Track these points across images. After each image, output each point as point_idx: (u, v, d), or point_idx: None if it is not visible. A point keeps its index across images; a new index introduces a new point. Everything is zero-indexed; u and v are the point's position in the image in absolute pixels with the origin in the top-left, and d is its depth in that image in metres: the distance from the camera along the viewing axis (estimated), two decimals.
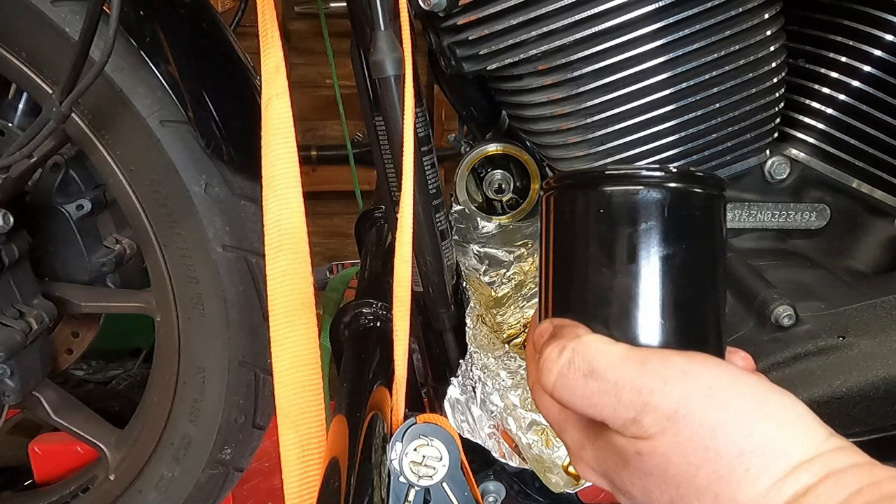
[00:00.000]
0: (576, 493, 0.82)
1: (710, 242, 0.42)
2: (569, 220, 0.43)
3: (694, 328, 0.42)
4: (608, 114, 0.71)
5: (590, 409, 0.39)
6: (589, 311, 0.42)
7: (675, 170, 0.41)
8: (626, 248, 0.40)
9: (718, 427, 0.35)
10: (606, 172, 0.41)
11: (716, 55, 0.69)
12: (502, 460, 0.77)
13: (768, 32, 0.69)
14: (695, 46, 0.68)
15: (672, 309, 0.41)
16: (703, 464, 0.35)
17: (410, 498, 0.61)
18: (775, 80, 0.72)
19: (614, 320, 0.41)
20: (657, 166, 0.42)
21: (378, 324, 0.88)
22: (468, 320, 0.81)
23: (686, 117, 0.71)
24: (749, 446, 0.35)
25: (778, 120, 0.75)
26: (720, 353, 0.42)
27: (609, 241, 0.41)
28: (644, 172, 0.41)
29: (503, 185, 0.93)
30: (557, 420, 0.44)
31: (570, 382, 0.39)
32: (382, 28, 0.67)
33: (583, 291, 0.43)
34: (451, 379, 0.78)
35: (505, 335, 0.84)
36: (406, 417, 0.63)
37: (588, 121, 0.71)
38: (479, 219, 0.93)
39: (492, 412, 0.77)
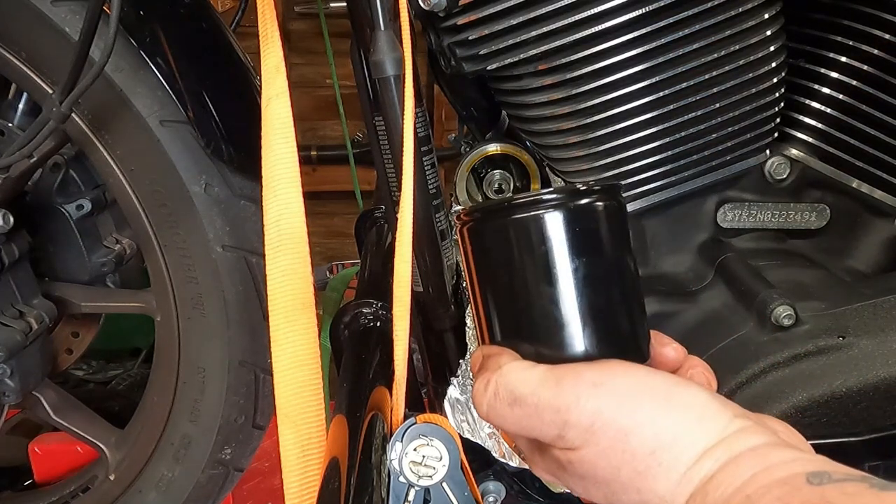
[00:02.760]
0: None
1: (613, 250, 0.45)
2: (483, 250, 0.46)
3: (611, 335, 0.45)
4: (608, 114, 0.71)
5: (522, 432, 0.44)
6: (515, 333, 0.46)
7: (567, 189, 0.44)
8: (536, 269, 0.44)
9: (630, 430, 0.39)
10: (507, 203, 0.45)
11: (716, 55, 0.69)
12: (502, 460, 0.77)
13: (768, 32, 0.69)
14: (695, 46, 0.68)
15: (587, 319, 0.44)
16: (623, 465, 0.39)
17: (410, 498, 0.61)
18: (775, 80, 0.72)
19: (538, 339, 0.44)
20: (552, 189, 0.46)
21: (378, 324, 0.88)
22: (468, 320, 0.81)
23: (686, 117, 0.71)
24: (659, 443, 0.38)
25: (778, 120, 0.75)
26: (641, 353, 0.46)
27: (520, 265, 0.44)
28: (541, 197, 0.44)
29: (503, 185, 0.93)
30: (509, 433, 0.48)
31: (498, 412, 0.44)
32: (382, 28, 0.67)
33: (506, 316, 0.46)
34: (451, 379, 0.78)
35: None
36: (406, 417, 0.63)
37: (587, 121, 0.71)
38: None
39: None
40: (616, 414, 0.39)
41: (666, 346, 0.48)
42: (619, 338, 0.45)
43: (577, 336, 0.44)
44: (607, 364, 0.42)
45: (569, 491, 0.45)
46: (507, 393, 0.43)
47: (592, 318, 0.44)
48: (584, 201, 0.44)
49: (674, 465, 0.38)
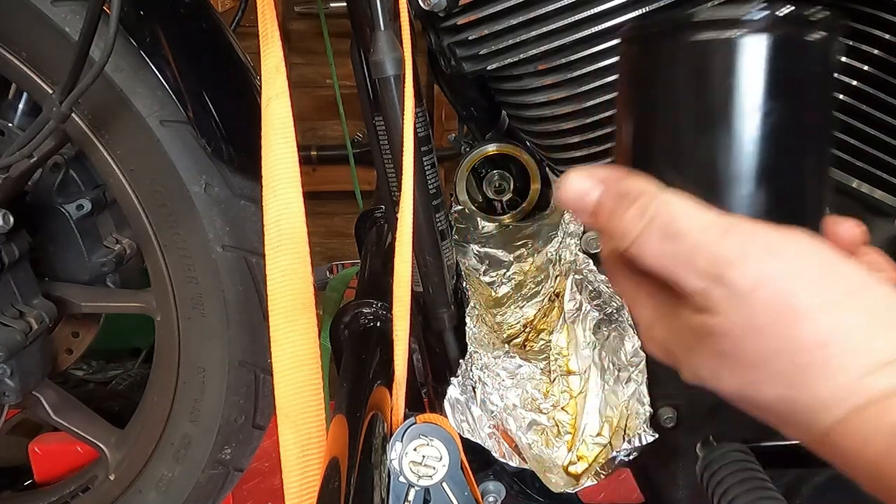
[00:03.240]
0: (576, 493, 0.82)
1: (818, 97, 0.37)
2: (654, 70, 0.39)
3: (792, 199, 0.37)
4: (608, 113, 0.71)
5: (662, 271, 0.36)
6: (672, 169, 0.38)
7: (779, 12, 0.35)
8: (719, 102, 0.36)
9: (802, 313, 0.32)
10: (697, 18, 0.37)
11: None
12: (502, 460, 0.77)
13: None
14: None
15: (769, 175, 0.36)
16: (780, 351, 0.33)
17: (410, 498, 0.61)
18: None
19: (701, 182, 0.37)
20: (755, 7, 0.36)
21: (378, 324, 0.88)
22: (468, 320, 0.81)
23: None
24: (832, 336, 0.32)
25: None
26: (818, 229, 0.38)
27: (700, 94, 0.37)
28: (742, 16, 0.35)
29: (503, 185, 0.93)
30: (629, 292, 0.41)
31: (646, 240, 0.36)
32: (382, 28, 0.67)
33: (667, 148, 0.38)
34: (451, 379, 0.78)
35: (505, 335, 0.84)
36: (406, 417, 0.63)
37: (588, 121, 0.71)
38: (479, 219, 0.93)
39: (492, 412, 0.77)
40: (788, 289, 0.33)
41: (839, 225, 0.40)
42: (801, 206, 0.38)
43: (752, 191, 0.36)
44: (791, 232, 0.34)
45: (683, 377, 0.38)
46: (664, 223, 0.36)
47: (778, 175, 0.36)
48: (809, 33, 0.36)
49: (845, 367, 0.32)
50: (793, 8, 0.36)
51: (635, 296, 0.41)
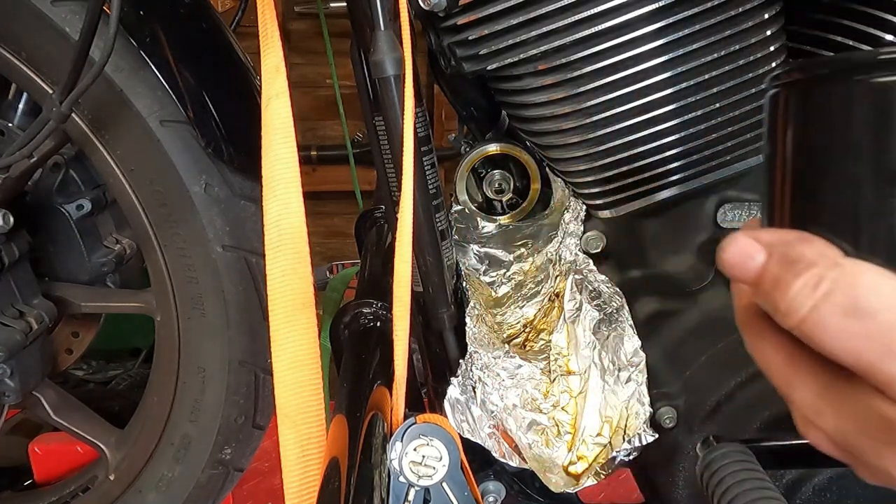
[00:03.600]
0: (576, 493, 0.82)
1: None
2: (826, 118, 0.33)
3: None
4: (608, 114, 0.71)
5: (844, 355, 0.31)
6: (852, 232, 0.32)
7: None
8: None
9: None
10: (878, 58, 0.32)
11: (716, 55, 0.69)
12: (502, 460, 0.77)
13: (768, 32, 0.69)
14: (695, 46, 0.68)
15: None
16: None
17: (410, 498, 0.61)
18: None
19: (889, 248, 0.32)
20: None
21: (378, 324, 0.88)
22: (468, 320, 0.81)
23: (686, 117, 0.71)
24: None
25: None
26: None
27: (889, 144, 0.32)
28: None
29: (503, 185, 0.93)
30: (784, 374, 0.35)
31: (823, 319, 0.31)
32: (382, 28, 0.67)
33: (845, 208, 0.33)
34: (451, 379, 0.78)
35: (505, 335, 0.84)
36: (406, 417, 0.63)
37: (588, 121, 0.71)
38: (479, 219, 0.93)
39: (492, 412, 0.77)
40: None
41: None
42: None
43: None
44: None
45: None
46: (847, 299, 0.30)
47: None
48: None
49: None
50: None
51: (793, 378, 0.35)
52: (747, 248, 0.34)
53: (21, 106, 1.01)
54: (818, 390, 0.34)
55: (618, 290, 0.79)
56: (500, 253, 0.90)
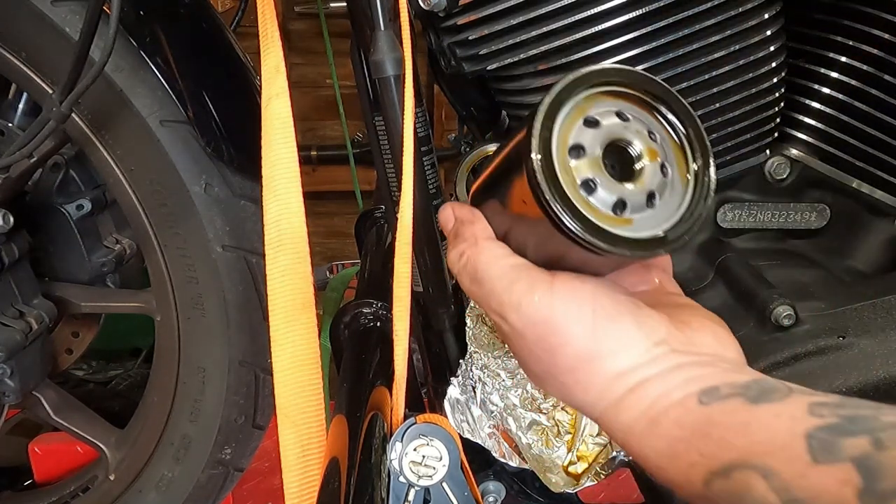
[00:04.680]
0: (576, 493, 0.82)
1: None
2: (499, 165, 0.48)
3: None
4: None
5: (473, 299, 0.50)
6: (494, 222, 0.49)
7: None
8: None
9: (556, 349, 0.44)
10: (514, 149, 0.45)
11: (716, 55, 0.69)
12: (502, 460, 0.77)
13: (768, 32, 0.69)
14: (695, 46, 0.68)
15: None
16: (549, 373, 0.45)
17: (410, 498, 0.61)
18: (775, 80, 0.72)
19: (504, 235, 0.49)
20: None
21: (378, 324, 0.88)
22: (468, 320, 0.80)
23: None
24: (578, 363, 0.44)
25: (778, 120, 0.75)
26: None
27: (503, 189, 0.47)
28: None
29: None
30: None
31: (461, 279, 0.49)
32: (382, 28, 0.67)
33: (492, 203, 0.49)
34: (451, 379, 0.78)
35: None
36: (406, 417, 0.63)
37: None
38: None
39: (492, 412, 0.77)
40: (545, 330, 0.44)
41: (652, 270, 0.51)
42: None
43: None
44: (558, 281, 0.45)
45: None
46: (473, 269, 0.48)
47: None
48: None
49: (589, 384, 0.44)
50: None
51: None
52: (447, 215, 0.52)
53: (21, 106, 1.01)
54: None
55: None
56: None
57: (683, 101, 0.44)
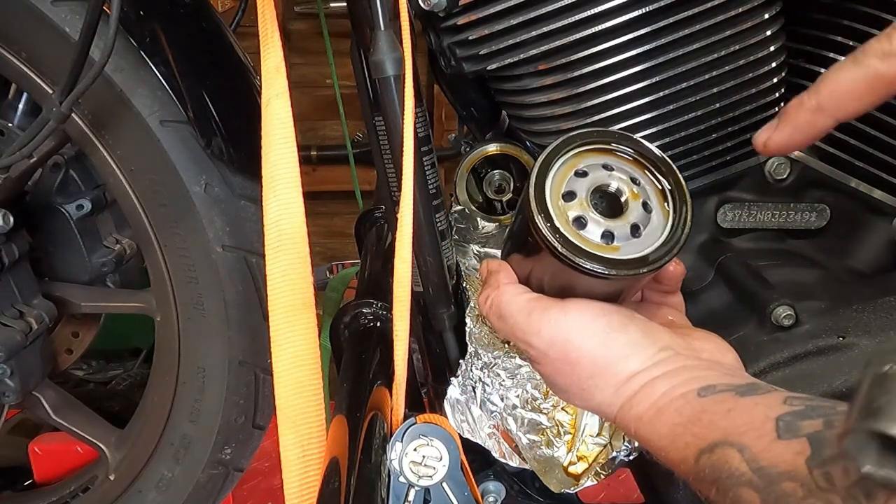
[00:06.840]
0: (576, 493, 0.82)
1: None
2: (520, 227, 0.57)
3: None
4: (608, 113, 0.71)
5: (502, 335, 0.61)
6: (517, 268, 0.60)
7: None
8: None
9: (575, 361, 0.53)
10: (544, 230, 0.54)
11: (716, 55, 0.69)
12: (502, 460, 0.77)
13: (768, 32, 0.69)
14: (695, 46, 0.68)
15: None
16: (571, 384, 0.54)
17: (410, 498, 0.61)
18: (775, 80, 0.72)
19: (526, 278, 0.59)
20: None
21: (378, 324, 0.88)
22: (468, 320, 0.81)
23: (686, 117, 0.71)
24: (596, 370, 0.52)
25: None
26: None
27: (522, 247, 0.58)
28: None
29: (503, 185, 0.93)
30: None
31: (489, 318, 0.59)
32: (382, 28, 0.67)
33: (515, 257, 0.60)
34: (451, 379, 0.78)
35: None
36: (406, 417, 0.63)
37: (588, 121, 0.71)
38: (479, 219, 0.93)
39: (492, 412, 0.77)
40: (565, 347, 0.53)
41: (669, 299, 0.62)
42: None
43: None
44: (569, 304, 0.54)
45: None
46: (497, 309, 0.57)
47: None
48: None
49: (606, 386, 0.52)
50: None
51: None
52: (483, 268, 0.63)
53: (21, 106, 1.01)
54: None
55: None
56: (500, 253, 0.90)
57: (660, 153, 0.54)
